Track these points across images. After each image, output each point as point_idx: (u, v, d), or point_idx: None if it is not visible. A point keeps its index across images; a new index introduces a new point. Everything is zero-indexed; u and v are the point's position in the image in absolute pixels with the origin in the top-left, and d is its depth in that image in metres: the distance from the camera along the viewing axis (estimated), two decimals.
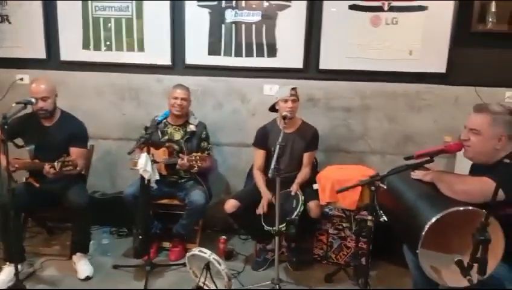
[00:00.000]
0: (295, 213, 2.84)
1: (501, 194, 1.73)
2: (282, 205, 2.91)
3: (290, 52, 3.51)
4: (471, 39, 3.30)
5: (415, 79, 3.43)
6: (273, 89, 3.47)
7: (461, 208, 1.77)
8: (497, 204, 1.78)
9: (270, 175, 2.47)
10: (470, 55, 3.33)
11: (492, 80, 3.34)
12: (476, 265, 1.60)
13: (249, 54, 3.55)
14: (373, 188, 2.14)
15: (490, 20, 3.21)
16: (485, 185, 1.77)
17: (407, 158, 2.14)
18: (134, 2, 3.57)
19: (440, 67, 3.36)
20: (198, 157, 2.91)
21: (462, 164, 2.55)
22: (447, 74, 3.37)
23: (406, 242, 2.21)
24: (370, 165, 3.54)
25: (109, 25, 3.63)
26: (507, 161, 1.92)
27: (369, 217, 2.17)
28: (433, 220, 1.79)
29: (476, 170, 2.08)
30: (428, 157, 2.08)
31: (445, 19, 3.28)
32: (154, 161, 2.86)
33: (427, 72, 3.39)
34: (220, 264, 2.65)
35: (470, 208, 1.76)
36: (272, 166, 2.44)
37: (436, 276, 1.92)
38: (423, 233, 1.80)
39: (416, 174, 2.17)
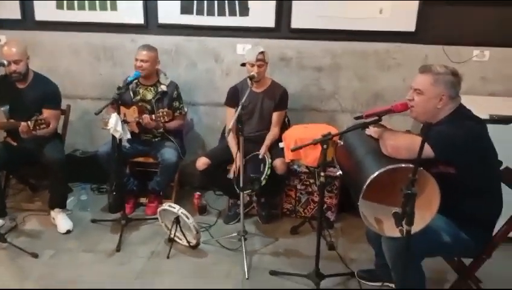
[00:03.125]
0: (263, 176, 2.97)
1: (430, 152, 1.85)
2: (251, 166, 3.05)
3: (262, 11, 3.51)
4: None
5: (384, 38, 3.46)
6: (246, 48, 3.50)
7: (395, 166, 1.89)
8: (430, 162, 1.91)
9: (226, 135, 2.58)
10: (439, 14, 3.34)
11: (460, 39, 3.38)
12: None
13: (222, 12, 3.55)
14: (325, 146, 2.25)
15: None
16: (412, 142, 1.87)
17: (357, 118, 2.25)
18: None
19: (409, 25, 3.39)
20: (165, 113, 3.00)
21: None
22: (416, 32, 3.40)
23: (353, 195, 2.34)
24: (341, 123, 3.65)
25: None
26: None
27: (322, 174, 2.30)
28: (374, 175, 1.92)
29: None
30: (377, 117, 2.18)
31: None
32: (124, 121, 2.97)
33: (396, 31, 3.42)
34: (188, 218, 2.82)
35: (403, 165, 1.87)
36: (230, 125, 2.53)
37: (377, 226, 2.07)
38: (364, 186, 1.93)
39: (369, 131, 2.27)
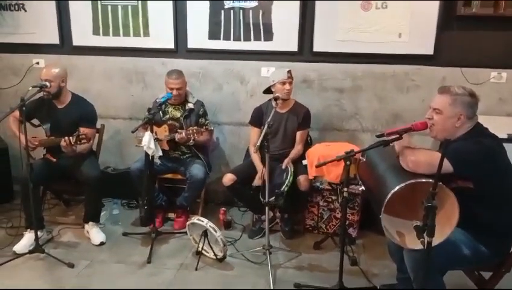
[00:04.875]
0: (285, 184, 3.11)
1: (448, 167, 1.95)
2: (275, 178, 3.19)
3: (285, 36, 3.71)
4: (457, 22, 3.45)
5: (403, 60, 3.61)
6: (270, 71, 3.68)
7: (416, 180, 2.00)
8: (448, 177, 2.02)
9: (255, 151, 2.72)
10: (456, 38, 3.49)
11: (477, 61, 3.51)
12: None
13: (247, 38, 3.77)
14: (348, 163, 2.37)
15: (475, 3, 3.34)
16: (431, 157, 1.98)
17: (378, 136, 2.37)
18: None
19: (427, 49, 3.53)
20: (195, 130, 3.19)
21: None
22: (434, 56, 3.54)
23: (375, 209, 2.45)
24: (362, 142, 3.77)
25: (117, 12, 3.88)
26: None
27: (345, 189, 2.42)
28: (395, 189, 2.02)
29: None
30: (398, 135, 2.30)
31: (432, 3, 3.44)
32: (156, 139, 3.15)
33: (415, 54, 3.57)
34: (215, 231, 2.95)
35: (423, 180, 1.98)
36: (258, 143, 2.68)
37: (399, 239, 2.16)
38: (386, 200, 2.03)
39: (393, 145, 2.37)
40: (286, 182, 3.11)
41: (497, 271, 2.20)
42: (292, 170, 3.17)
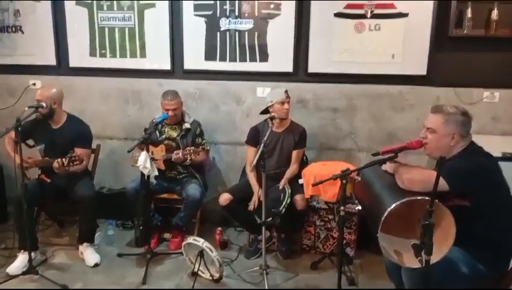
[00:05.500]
0: (282, 205, 3.10)
1: (444, 185, 1.97)
2: (272, 198, 3.18)
3: (280, 57, 3.76)
4: (449, 43, 3.51)
5: (397, 81, 3.66)
6: (266, 92, 3.72)
7: (412, 198, 2.00)
8: (444, 195, 2.03)
9: (251, 170, 2.74)
10: (449, 58, 3.54)
11: (470, 81, 3.56)
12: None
13: (243, 59, 3.81)
14: (344, 181, 2.37)
15: (467, 25, 3.41)
16: (427, 175, 1.99)
17: (374, 154, 2.38)
18: (136, 12, 3.86)
19: (421, 69, 3.58)
20: (192, 151, 3.19)
21: None
22: (428, 76, 3.59)
23: (372, 228, 2.44)
24: (357, 161, 3.78)
25: (113, 34, 3.93)
26: None
27: (342, 208, 2.42)
28: (392, 207, 2.02)
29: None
30: (393, 154, 2.32)
31: (424, 25, 3.50)
32: (153, 158, 3.15)
33: (408, 75, 3.62)
34: (212, 251, 2.93)
35: (419, 197, 1.99)
36: (255, 162, 2.69)
37: (397, 258, 2.15)
38: (382, 219, 2.03)
39: (385, 166, 2.39)
40: (283, 204, 3.11)
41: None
42: (289, 192, 3.17)
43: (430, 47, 3.53)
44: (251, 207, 3.25)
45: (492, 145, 2.95)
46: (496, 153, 2.76)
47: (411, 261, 2.03)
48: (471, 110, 2.26)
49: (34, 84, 4.08)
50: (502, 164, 2.16)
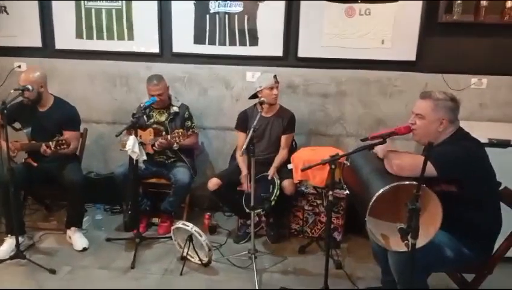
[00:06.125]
0: (272, 197, 3.12)
1: (432, 170, 1.99)
2: (260, 187, 3.19)
3: (270, 41, 3.72)
4: (438, 29, 3.51)
5: (386, 66, 3.66)
6: (255, 76, 3.70)
7: (400, 183, 2.02)
8: (432, 181, 2.05)
9: (241, 154, 2.74)
10: (438, 44, 3.55)
11: (458, 67, 3.57)
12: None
13: (232, 42, 3.77)
14: (333, 166, 2.39)
15: (456, 11, 3.41)
16: (416, 161, 2.00)
17: (363, 140, 2.38)
18: None
19: (410, 55, 3.59)
20: (180, 133, 3.16)
21: None
22: (417, 62, 3.60)
23: (360, 212, 2.46)
24: (346, 146, 3.80)
25: (100, 15, 3.85)
26: None
27: (330, 193, 2.43)
28: (380, 192, 2.04)
29: None
30: (381, 139, 2.33)
31: (414, 10, 3.50)
32: (141, 143, 3.12)
33: (398, 60, 3.62)
34: (201, 235, 2.93)
35: (407, 182, 2.01)
36: (244, 147, 2.69)
37: (384, 242, 2.18)
38: (371, 203, 2.04)
39: (375, 151, 2.41)
40: (273, 196, 3.12)
41: (480, 273, 2.24)
42: (279, 183, 3.18)
43: (419, 33, 3.53)
44: (243, 187, 3.25)
45: (479, 131, 3.00)
46: (483, 139, 2.79)
47: (397, 245, 2.06)
48: (459, 96, 2.28)
49: (20, 66, 3.99)
50: (489, 150, 2.19)
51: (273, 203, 3.12)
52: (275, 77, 3.29)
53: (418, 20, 3.51)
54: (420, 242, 1.90)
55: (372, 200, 2.05)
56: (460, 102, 2.22)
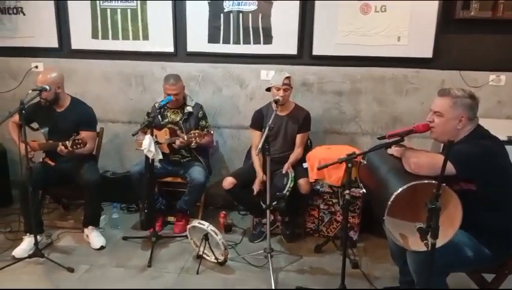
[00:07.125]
0: (286, 189, 3.11)
1: (451, 169, 1.96)
2: (275, 182, 3.19)
3: (284, 39, 3.71)
4: (455, 25, 3.47)
5: (402, 64, 3.62)
6: (270, 74, 3.69)
7: (419, 182, 2.00)
8: (451, 179, 2.02)
9: (257, 153, 2.74)
10: (455, 41, 3.51)
11: (476, 64, 3.52)
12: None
13: (247, 41, 3.77)
14: (350, 165, 2.37)
15: (474, 7, 3.35)
16: (434, 159, 1.98)
17: (380, 138, 2.38)
18: None
19: (426, 52, 3.54)
20: (196, 134, 3.17)
21: None
22: (433, 59, 3.55)
23: (378, 212, 2.44)
24: (361, 145, 3.77)
25: (115, 16, 3.88)
26: None
27: (347, 191, 2.41)
28: (399, 191, 2.02)
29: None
30: (399, 137, 2.31)
31: (431, 7, 3.45)
32: (157, 142, 3.14)
33: (414, 57, 3.58)
34: (216, 234, 2.94)
35: (426, 181, 1.98)
36: (260, 146, 2.68)
37: (402, 241, 2.16)
38: (389, 202, 2.02)
39: (391, 150, 2.38)
40: (287, 188, 3.11)
41: (500, 273, 2.21)
42: (293, 175, 3.17)
43: (436, 29, 3.49)
44: (255, 189, 3.25)
45: (498, 129, 2.92)
46: (502, 137, 2.73)
47: (416, 245, 2.04)
48: (477, 93, 2.23)
49: (36, 66, 4.05)
50: (508, 148, 2.15)
51: (287, 193, 3.11)
52: (287, 78, 3.26)
53: (434, 17, 3.46)
54: (440, 242, 1.88)
55: (391, 200, 2.03)
56: (479, 99, 2.18)
